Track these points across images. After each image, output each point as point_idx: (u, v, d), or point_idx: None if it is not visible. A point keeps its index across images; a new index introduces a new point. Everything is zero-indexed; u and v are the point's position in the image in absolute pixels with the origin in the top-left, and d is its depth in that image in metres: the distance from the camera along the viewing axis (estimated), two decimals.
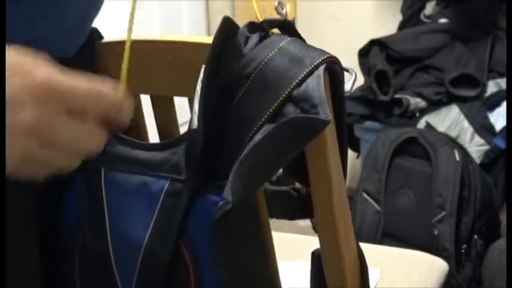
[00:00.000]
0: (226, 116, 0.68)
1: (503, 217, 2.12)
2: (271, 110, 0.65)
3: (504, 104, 2.21)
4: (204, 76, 0.68)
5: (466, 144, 2.20)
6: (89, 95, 0.57)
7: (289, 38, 0.69)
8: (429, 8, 2.51)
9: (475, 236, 2.03)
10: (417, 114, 2.32)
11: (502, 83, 2.27)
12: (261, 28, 0.70)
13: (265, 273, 0.70)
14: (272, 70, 0.66)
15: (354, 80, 0.72)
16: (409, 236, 2.07)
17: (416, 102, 2.32)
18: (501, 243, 1.92)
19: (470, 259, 2.01)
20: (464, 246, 2.01)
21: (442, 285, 1.30)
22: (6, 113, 0.53)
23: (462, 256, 2.00)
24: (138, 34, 0.72)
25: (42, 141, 0.55)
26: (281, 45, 0.68)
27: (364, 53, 2.43)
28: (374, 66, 2.36)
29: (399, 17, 2.59)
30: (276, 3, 0.71)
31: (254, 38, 0.69)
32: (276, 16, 0.71)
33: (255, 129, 0.65)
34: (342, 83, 0.70)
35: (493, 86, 2.28)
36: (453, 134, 2.23)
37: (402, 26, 2.55)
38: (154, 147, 0.72)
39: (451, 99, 2.29)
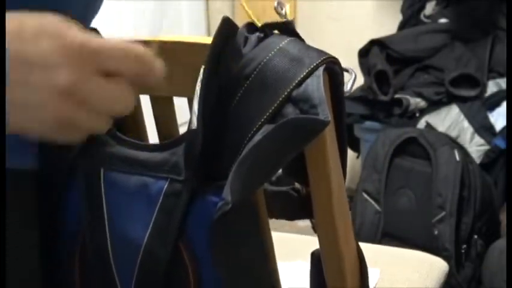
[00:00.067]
0: (225, 116, 0.68)
1: (503, 217, 2.12)
2: (270, 111, 0.65)
3: (504, 104, 2.21)
4: (203, 76, 0.68)
5: (466, 144, 2.20)
6: (122, 55, 0.57)
7: (288, 39, 0.69)
8: (429, 8, 2.51)
9: (475, 236, 2.03)
10: (417, 114, 2.32)
11: (502, 83, 2.27)
12: (260, 29, 0.70)
13: (265, 273, 0.70)
14: (271, 70, 0.66)
15: (353, 81, 0.72)
16: (409, 236, 2.07)
17: (416, 102, 2.32)
18: (501, 243, 1.92)
19: (470, 259, 2.02)
20: (464, 246, 2.01)
21: (442, 285, 1.30)
22: (41, 75, 0.53)
23: (462, 256, 2.00)
24: (138, 34, 0.72)
25: (77, 102, 0.55)
26: (281, 45, 0.68)
27: (364, 53, 2.43)
28: (374, 66, 2.36)
29: (399, 17, 2.59)
30: (276, 4, 0.71)
31: (253, 38, 0.69)
32: (276, 16, 0.71)
33: (255, 129, 0.65)
34: (341, 83, 0.70)
35: (493, 86, 2.28)
36: (453, 134, 2.23)
37: (402, 26, 2.56)
38: (153, 147, 0.72)
39: (451, 99, 2.29)
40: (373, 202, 2.16)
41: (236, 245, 0.68)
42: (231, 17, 0.69)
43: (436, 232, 2.00)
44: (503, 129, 2.18)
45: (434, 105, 2.31)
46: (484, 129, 2.21)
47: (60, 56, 0.54)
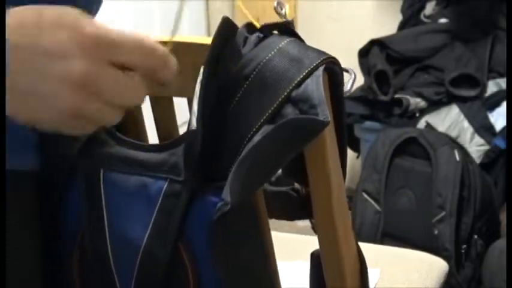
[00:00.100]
0: (225, 116, 0.68)
1: (503, 217, 2.12)
2: (270, 111, 0.65)
3: (504, 104, 2.21)
4: (203, 77, 0.68)
5: (466, 144, 2.20)
6: (136, 48, 0.57)
7: (288, 39, 0.69)
8: (429, 8, 2.51)
9: (475, 236, 2.03)
10: (417, 114, 2.32)
11: (502, 83, 2.27)
12: (259, 29, 0.70)
13: (265, 273, 0.70)
14: (271, 71, 0.66)
15: (353, 81, 0.72)
16: (409, 236, 2.07)
17: (416, 102, 2.32)
18: (501, 243, 1.92)
19: (470, 259, 2.02)
20: (464, 246, 2.01)
21: (442, 285, 1.30)
22: (56, 64, 0.53)
23: (462, 256, 2.00)
24: None
25: (90, 93, 0.55)
26: (280, 45, 0.68)
27: (364, 53, 2.43)
28: (374, 66, 2.36)
29: (399, 17, 2.59)
30: (275, 4, 0.71)
31: (253, 38, 0.69)
32: (276, 16, 0.71)
33: (254, 130, 0.65)
34: (341, 83, 0.70)
35: (493, 86, 2.28)
36: (453, 134, 2.23)
37: (402, 26, 2.56)
38: (153, 148, 0.72)
39: (451, 99, 2.29)
40: (373, 202, 2.16)
41: (236, 246, 0.68)
42: (230, 17, 0.69)
43: (436, 232, 2.00)
44: (503, 129, 2.18)
45: (434, 105, 2.31)
46: (484, 129, 2.21)
47: (76, 47, 0.54)
